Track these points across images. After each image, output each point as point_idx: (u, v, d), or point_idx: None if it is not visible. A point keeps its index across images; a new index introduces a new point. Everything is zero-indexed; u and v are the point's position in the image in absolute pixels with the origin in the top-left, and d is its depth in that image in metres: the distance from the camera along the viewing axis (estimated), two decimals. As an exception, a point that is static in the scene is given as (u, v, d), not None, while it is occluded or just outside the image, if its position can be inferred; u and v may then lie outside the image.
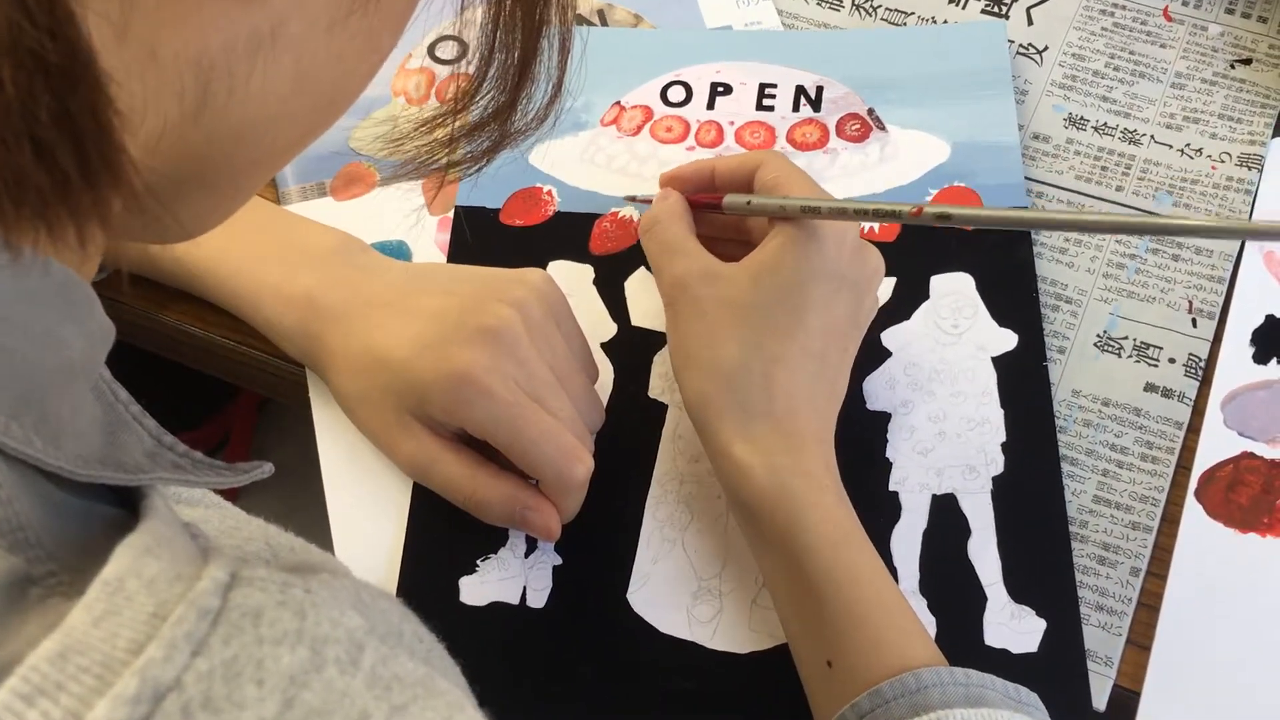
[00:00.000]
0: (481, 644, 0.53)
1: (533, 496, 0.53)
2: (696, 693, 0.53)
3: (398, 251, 0.62)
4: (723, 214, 0.56)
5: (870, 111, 0.65)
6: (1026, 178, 0.64)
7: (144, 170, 0.28)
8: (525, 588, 0.54)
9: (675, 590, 0.54)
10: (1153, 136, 0.66)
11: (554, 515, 0.53)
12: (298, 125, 0.31)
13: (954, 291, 0.60)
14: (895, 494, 0.56)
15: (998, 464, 0.57)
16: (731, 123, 0.65)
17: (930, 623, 0.53)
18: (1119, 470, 0.57)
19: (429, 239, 0.62)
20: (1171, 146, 0.65)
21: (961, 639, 0.53)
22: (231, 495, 0.63)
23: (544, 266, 0.61)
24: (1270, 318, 0.60)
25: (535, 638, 0.54)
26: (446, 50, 0.68)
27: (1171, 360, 0.59)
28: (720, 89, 0.66)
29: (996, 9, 0.70)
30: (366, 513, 0.56)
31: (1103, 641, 0.54)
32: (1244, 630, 0.54)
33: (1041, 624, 0.53)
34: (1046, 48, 0.68)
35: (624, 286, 0.61)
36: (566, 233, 0.62)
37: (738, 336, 0.51)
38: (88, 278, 0.29)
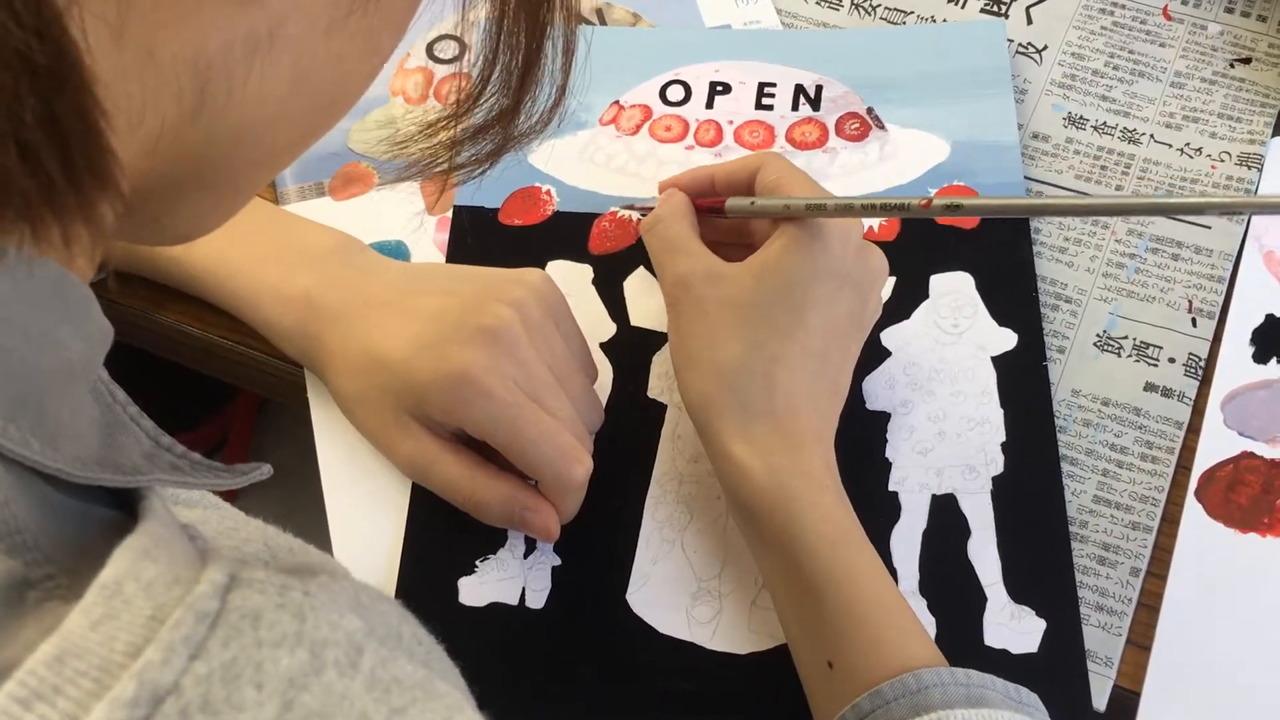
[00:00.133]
0: (481, 645, 0.53)
1: (532, 497, 0.53)
2: (696, 694, 0.53)
3: (396, 251, 0.62)
4: (725, 217, 0.56)
5: (869, 111, 0.65)
6: (1026, 177, 0.64)
7: (142, 171, 0.28)
8: (524, 588, 0.54)
9: (674, 591, 0.54)
10: (1152, 136, 0.65)
11: (553, 516, 0.53)
12: (297, 127, 0.31)
13: (954, 291, 0.60)
14: (895, 494, 0.56)
15: (997, 464, 0.56)
16: (730, 122, 0.65)
17: (930, 623, 0.53)
18: (1119, 470, 0.57)
19: (428, 239, 0.62)
20: (1171, 146, 0.65)
21: (961, 639, 0.53)
22: (230, 496, 0.63)
23: (543, 266, 0.61)
24: (1270, 317, 0.60)
25: (534, 638, 0.54)
26: (445, 50, 0.68)
27: (1171, 360, 0.59)
28: (719, 88, 0.66)
29: (996, 8, 0.70)
30: (365, 513, 0.56)
31: (1103, 642, 0.53)
32: (1244, 630, 0.53)
33: (1041, 624, 0.53)
34: (1046, 47, 0.68)
35: (623, 286, 0.61)
36: (565, 232, 0.62)
37: (739, 336, 0.51)
38: (86, 279, 0.29)
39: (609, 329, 0.60)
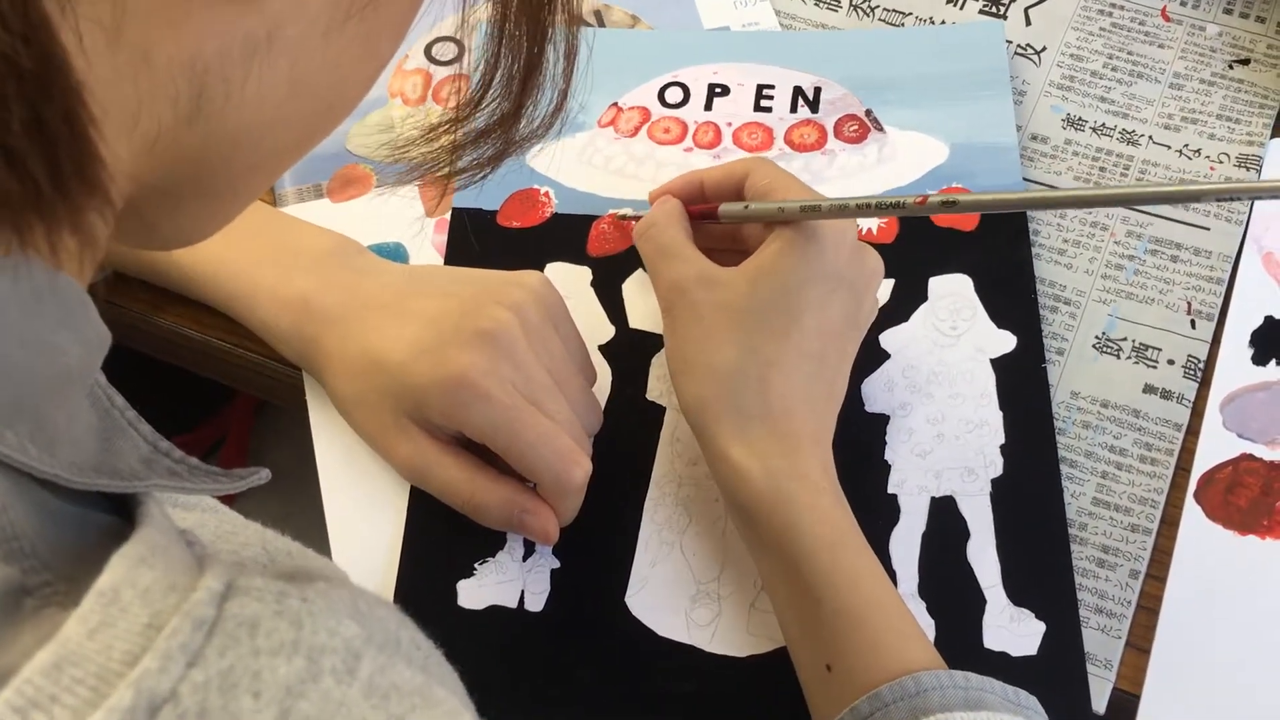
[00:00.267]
0: (479, 648, 0.53)
1: (530, 500, 0.53)
2: (695, 696, 0.53)
3: (395, 253, 0.61)
4: (718, 223, 0.56)
5: (868, 113, 0.65)
6: (1025, 178, 0.64)
7: (139, 175, 0.28)
8: (523, 591, 0.54)
9: (673, 593, 0.54)
10: (1151, 137, 0.65)
11: (552, 519, 0.53)
12: (294, 131, 0.31)
13: (952, 293, 0.60)
14: (894, 496, 0.56)
15: (996, 466, 0.56)
16: (729, 124, 0.65)
17: (929, 626, 0.53)
18: (1118, 472, 0.57)
19: (426, 241, 0.62)
20: (1170, 147, 0.65)
21: (960, 642, 0.53)
22: (229, 499, 0.62)
23: (541, 268, 0.61)
24: (1269, 319, 0.60)
25: (533, 641, 0.53)
26: (444, 51, 0.67)
27: (1170, 362, 0.59)
28: (718, 90, 0.66)
29: (994, 9, 0.70)
30: (364, 516, 0.56)
31: (1102, 644, 0.53)
32: (1244, 632, 0.53)
33: (1041, 627, 0.53)
34: (1045, 48, 0.68)
35: (622, 288, 0.61)
36: (564, 234, 0.62)
37: (734, 340, 0.51)
38: (84, 283, 0.29)
39: (608, 331, 0.60)
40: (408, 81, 0.67)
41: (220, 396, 1.02)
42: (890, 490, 0.56)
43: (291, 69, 0.29)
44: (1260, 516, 0.55)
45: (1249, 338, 0.60)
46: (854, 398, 0.57)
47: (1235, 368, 0.59)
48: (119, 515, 0.28)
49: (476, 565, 0.55)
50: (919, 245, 0.61)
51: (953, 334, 0.59)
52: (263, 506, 0.50)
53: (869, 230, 0.62)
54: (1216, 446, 0.57)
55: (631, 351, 0.59)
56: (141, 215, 0.29)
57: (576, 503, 0.54)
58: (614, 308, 0.60)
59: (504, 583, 0.54)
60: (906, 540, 0.55)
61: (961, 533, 0.55)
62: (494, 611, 0.54)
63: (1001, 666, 0.52)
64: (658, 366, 0.59)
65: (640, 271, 0.61)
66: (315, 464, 0.57)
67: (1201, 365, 0.59)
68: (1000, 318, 0.60)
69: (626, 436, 0.57)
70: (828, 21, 0.69)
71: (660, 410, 0.58)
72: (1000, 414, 0.58)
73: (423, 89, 0.66)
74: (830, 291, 0.52)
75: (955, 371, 0.59)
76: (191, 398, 1.00)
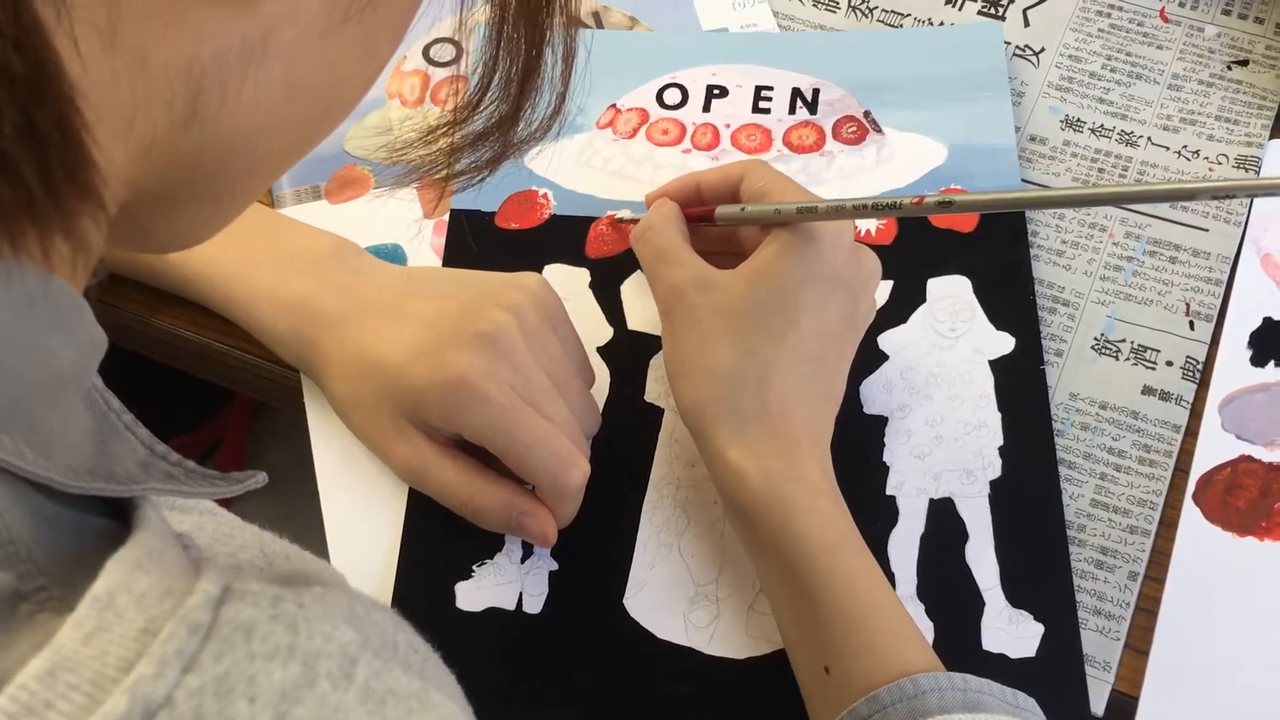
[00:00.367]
0: (478, 650, 0.53)
1: (529, 502, 0.53)
2: (694, 698, 0.53)
3: (392, 255, 0.61)
4: (715, 225, 0.56)
5: (867, 114, 0.65)
6: (1023, 180, 0.64)
7: (135, 179, 0.28)
8: (521, 593, 0.54)
9: (672, 595, 0.54)
10: (1150, 138, 0.65)
11: (550, 521, 0.53)
12: (291, 134, 0.31)
13: (951, 294, 0.60)
14: (892, 498, 0.56)
15: (995, 468, 0.56)
16: (727, 125, 0.65)
17: (928, 628, 0.53)
18: (1117, 474, 0.57)
19: (424, 242, 0.62)
20: (1168, 148, 0.65)
21: (959, 644, 0.53)
22: (226, 501, 0.62)
23: (540, 270, 0.61)
24: (1268, 320, 0.60)
25: (531, 643, 0.53)
26: (442, 53, 0.67)
27: (1169, 363, 0.59)
28: (716, 91, 0.66)
29: (993, 10, 0.70)
30: (362, 518, 0.56)
31: (1101, 646, 0.53)
32: (1242, 634, 0.53)
33: (1039, 628, 0.53)
34: (1043, 49, 0.68)
35: (620, 290, 0.61)
36: (562, 236, 0.62)
37: (731, 342, 0.51)
38: (79, 287, 0.29)
39: (606, 333, 0.60)
40: (406, 83, 0.67)
41: (218, 398, 1.02)
42: (889, 492, 0.56)
43: (288, 72, 0.29)
44: (1259, 518, 0.55)
45: (1247, 339, 0.60)
46: (852, 399, 0.57)
47: (1234, 369, 0.59)
48: (115, 519, 0.28)
49: (475, 567, 0.55)
50: (917, 247, 0.61)
51: (951, 335, 0.59)
52: (261, 509, 0.50)
53: (867, 232, 0.62)
54: (1215, 448, 0.57)
55: (630, 353, 0.59)
56: (137, 219, 0.29)
57: (575, 505, 0.54)
58: (612, 309, 0.60)
59: (502, 585, 0.54)
60: (905, 542, 0.55)
61: (960, 534, 0.55)
62: (492, 613, 0.54)
63: (1000, 668, 0.52)
64: (656, 368, 0.59)
65: (639, 273, 0.61)
66: (313, 466, 0.57)
67: (1200, 366, 0.59)
68: (999, 319, 0.60)
69: (625, 438, 0.57)
70: (826, 23, 0.69)
71: (659, 412, 0.58)
72: (999, 415, 0.57)
73: (421, 90, 0.66)
74: (828, 293, 0.52)
75: (954, 373, 0.59)
76: (189, 399, 1.00)
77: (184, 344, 0.60)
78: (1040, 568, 0.54)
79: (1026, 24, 0.69)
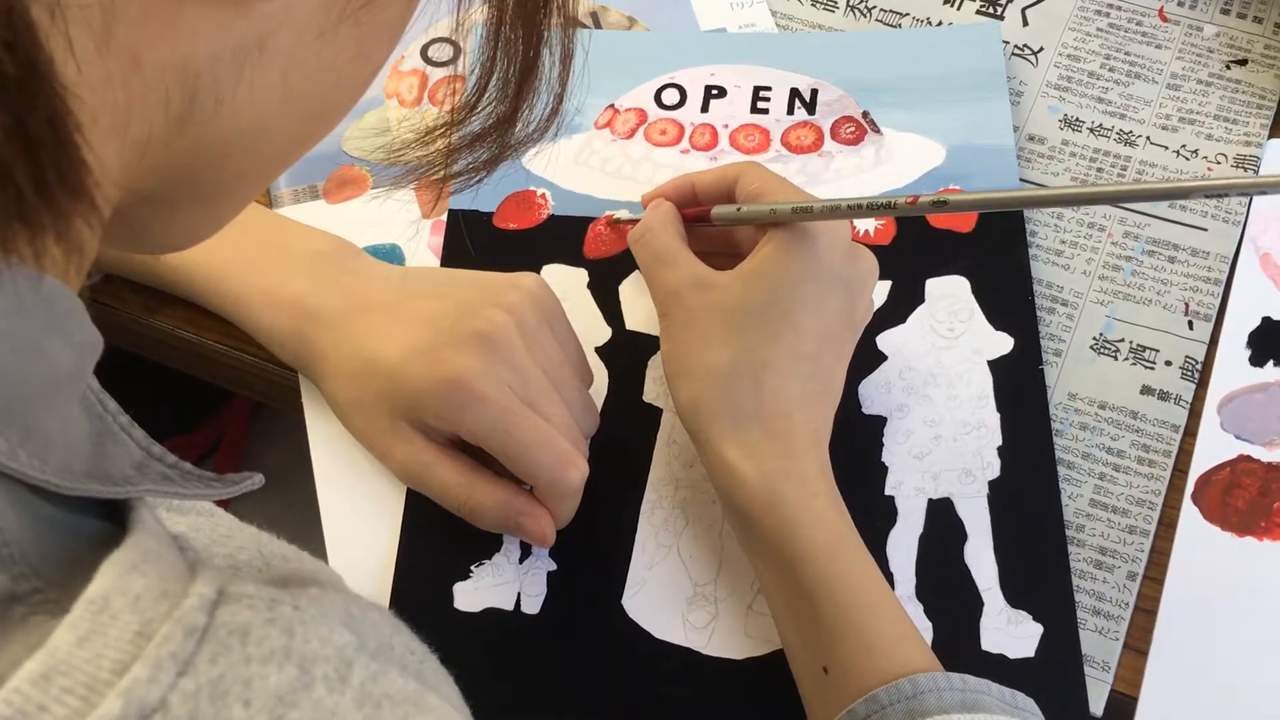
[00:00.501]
0: (476, 650, 0.53)
1: (527, 502, 0.53)
2: (692, 699, 0.53)
3: (390, 255, 0.61)
4: (712, 226, 0.56)
5: (865, 114, 0.65)
6: (1022, 179, 0.64)
7: (130, 181, 0.28)
8: (520, 594, 0.54)
9: (670, 596, 0.54)
10: (1148, 138, 0.65)
11: (548, 521, 0.53)
12: (287, 136, 0.31)
13: (949, 295, 0.60)
14: (891, 498, 0.56)
15: (994, 468, 0.56)
16: (726, 125, 0.65)
17: (926, 628, 0.53)
18: (1116, 474, 0.57)
19: (422, 243, 0.62)
20: (1167, 148, 0.65)
21: (958, 644, 0.53)
22: (224, 501, 0.62)
23: (538, 270, 0.61)
24: (1267, 320, 0.60)
25: (530, 644, 0.53)
26: (440, 53, 0.67)
27: (1168, 363, 0.59)
28: (714, 92, 0.66)
29: (991, 10, 0.69)
30: (360, 518, 0.56)
31: (1100, 646, 0.53)
32: (1242, 634, 0.53)
33: (1038, 629, 0.53)
34: (1042, 49, 0.68)
35: (619, 290, 0.61)
36: (560, 236, 0.62)
37: (728, 342, 0.51)
38: (74, 288, 0.29)
39: (604, 333, 0.60)
40: (404, 82, 0.66)
41: (216, 399, 1.02)
42: (887, 492, 0.56)
43: (284, 73, 0.28)
44: (1258, 518, 0.55)
45: (1246, 339, 0.60)
46: (851, 399, 0.57)
47: (1233, 369, 0.59)
48: (111, 521, 0.28)
49: (473, 568, 0.55)
50: (916, 247, 0.61)
51: (950, 336, 0.59)
52: (258, 509, 0.50)
53: (866, 232, 0.62)
54: (1214, 448, 0.57)
55: (628, 353, 0.59)
56: (132, 221, 0.29)
57: (573, 505, 0.54)
58: (610, 309, 0.60)
59: (500, 585, 0.54)
60: (904, 542, 0.55)
61: (959, 535, 0.55)
62: (490, 614, 0.54)
63: (999, 668, 0.52)
64: (654, 369, 0.59)
65: (637, 273, 0.61)
66: (311, 466, 0.57)
67: (1199, 366, 0.59)
68: (997, 319, 0.60)
69: (623, 438, 0.57)
70: (824, 22, 0.69)
71: (657, 412, 0.58)
72: (998, 415, 0.57)
73: (419, 90, 0.66)
74: (825, 292, 0.52)
75: (953, 373, 0.58)
76: (187, 400, 1.00)
77: (182, 344, 0.60)
78: (1039, 568, 0.54)
79: (1025, 23, 0.69)
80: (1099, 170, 0.65)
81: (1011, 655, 0.53)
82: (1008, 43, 0.68)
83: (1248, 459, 0.57)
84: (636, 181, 0.63)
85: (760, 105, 0.65)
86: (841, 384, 0.54)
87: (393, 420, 0.53)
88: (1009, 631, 0.53)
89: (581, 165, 0.64)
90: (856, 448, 0.56)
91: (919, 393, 0.58)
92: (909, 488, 0.56)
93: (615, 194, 0.63)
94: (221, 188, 0.31)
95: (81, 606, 0.23)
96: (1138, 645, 0.54)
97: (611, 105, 0.66)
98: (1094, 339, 0.60)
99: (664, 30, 0.69)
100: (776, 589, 0.50)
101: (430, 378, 0.51)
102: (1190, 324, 0.60)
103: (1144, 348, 0.60)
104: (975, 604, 0.54)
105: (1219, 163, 0.64)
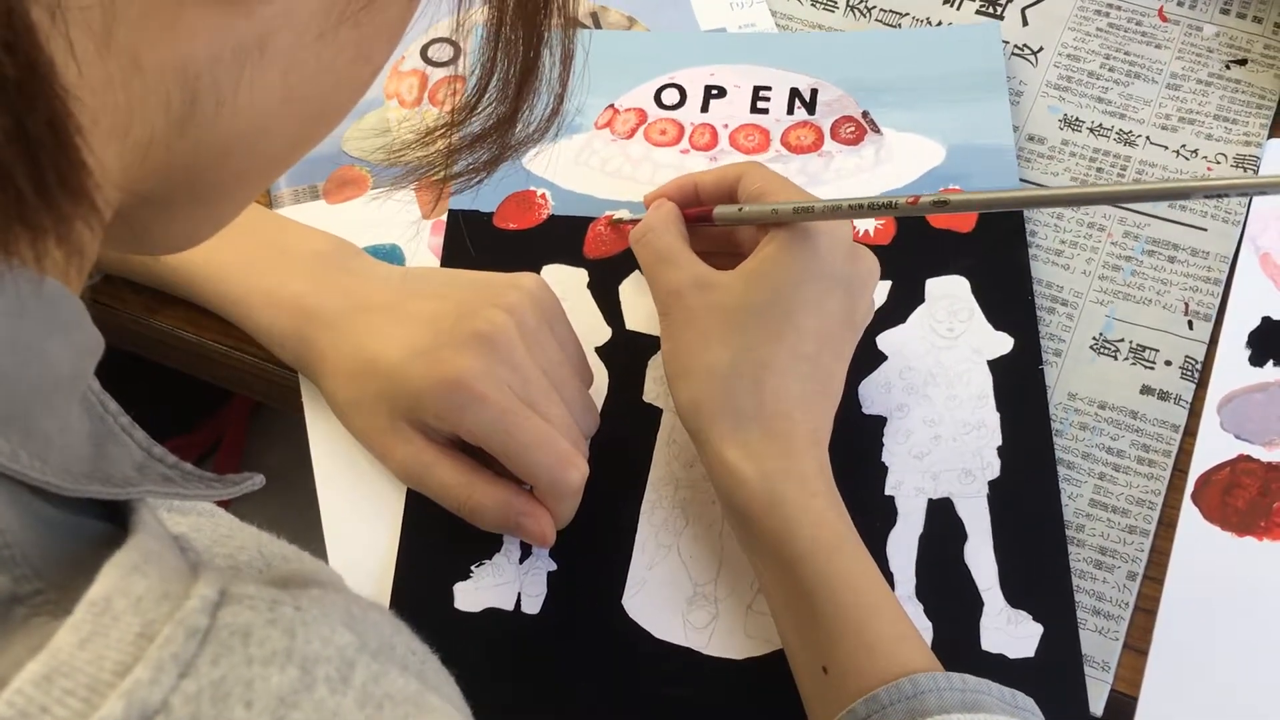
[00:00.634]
0: (476, 650, 0.53)
1: (527, 502, 0.53)
2: (692, 699, 0.53)
3: (390, 255, 0.61)
4: (713, 226, 0.56)
5: (865, 114, 0.65)
6: (1022, 179, 0.64)
7: (131, 182, 0.28)
8: (520, 594, 0.54)
9: (670, 596, 0.54)
10: (1148, 138, 0.65)
11: (549, 521, 0.53)
12: (287, 137, 0.31)
13: (949, 295, 0.60)
14: (891, 498, 0.56)
15: (994, 468, 0.56)
16: (726, 125, 0.65)
17: (926, 628, 0.53)
18: (1115, 474, 0.57)
19: (422, 243, 0.62)
20: (1167, 148, 0.65)
21: (958, 644, 0.53)
22: (225, 501, 0.62)
23: (538, 270, 0.61)
24: (1266, 320, 0.60)
25: (530, 644, 0.53)
26: (440, 53, 0.67)
27: (1168, 363, 0.59)
28: (714, 92, 0.66)
29: (991, 10, 0.69)
30: (360, 518, 0.56)
31: (1100, 646, 0.53)
32: (1242, 634, 0.53)
33: (1038, 629, 0.53)
34: (1041, 48, 0.68)
35: (619, 290, 0.61)
36: (561, 236, 0.62)
37: (728, 341, 0.51)
38: (75, 289, 0.29)
39: (604, 333, 0.60)
40: (404, 83, 0.66)
41: (216, 399, 1.02)
42: (887, 492, 0.56)
43: (284, 74, 0.29)
44: (1258, 518, 0.55)
45: (1246, 338, 0.60)
46: (851, 399, 0.57)
47: (1233, 369, 0.59)
48: (112, 522, 0.28)
49: (473, 568, 0.55)
50: (916, 247, 0.61)
51: (950, 336, 0.59)
52: (259, 509, 0.50)
53: (866, 232, 0.62)
54: (1214, 448, 0.57)
55: (628, 353, 0.59)
56: (132, 222, 0.29)
57: (573, 505, 0.54)
58: (611, 309, 0.60)
59: (501, 585, 0.54)
60: (904, 542, 0.55)
61: (959, 535, 0.55)
62: (491, 614, 0.54)
63: (999, 668, 0.52)
64: (654, 368, 0.59)
65: (637, 273, 0.61)
66: (311, 466, 0.57)
67: (1199, 366, 0.59)
68: (997, 319, 0.60)
69: (623, 439, 0.57)
70: (824, 22, 0.69)
71: (657, 412, 0.58)
72: (997, 415, 0.57)
73: (419, 90, 0.66)
74: (825, 292, 0.52)
75: (952, 373, 0.58)
76: (187, 400, 1.00)
77: (182, 344, 0.60)
78: (1039, 568, 0.54)
79: (1025, 23, 0.69)
80: (1099, 170, 0.65)
81: (1011, 655, 0.53)
82: (1007, 43, 0.68)
83: (1247, 459, 0.57)
84: (636, 181, 0.63)
85: (760, 105, 0.65)
86: (841, 384, 0.54)
87: (392, 420, 0.53)
88: (1009, 631, 0.53)
89: (581, 165, 0.64)
90: (856, 448, 0.56)
91: (919, 393, 0.58)
92: (909, 488, 0.56)
93: (615, 194, 0.63)
94: (222, 189, 0.31)
95: (83, 608, 0.23)
96: (1138, 645, 0.54)
97: (611, 105, 0.66)
98: (1094, 339, 0.60)
99: (664, 30, 0.69)
100: (776, 589, 0.50)
101: (430, 378, 0.51)
102: (1190, 324, 0.60)
103: (1144, 347, 0.60)
104: (975, 604, 0.54)
105: (1219, 163, 0.64)
